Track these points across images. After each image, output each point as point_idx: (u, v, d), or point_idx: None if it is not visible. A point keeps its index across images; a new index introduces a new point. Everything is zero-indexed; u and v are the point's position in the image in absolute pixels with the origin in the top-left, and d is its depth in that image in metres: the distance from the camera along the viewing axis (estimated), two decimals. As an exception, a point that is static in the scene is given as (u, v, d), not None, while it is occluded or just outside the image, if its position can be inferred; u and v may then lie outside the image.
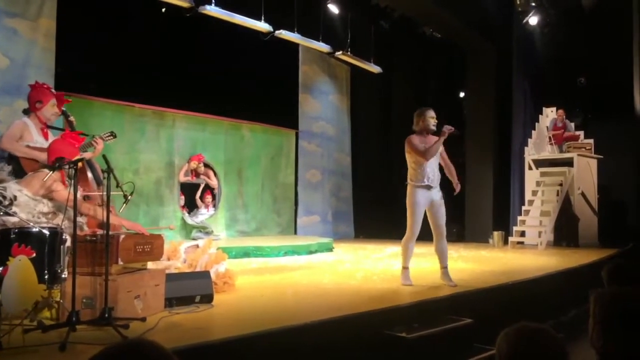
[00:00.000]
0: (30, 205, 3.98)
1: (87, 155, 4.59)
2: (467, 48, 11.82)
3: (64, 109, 4.93)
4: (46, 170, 3.90)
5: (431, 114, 5.46)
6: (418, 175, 5.34)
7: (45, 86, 4.81)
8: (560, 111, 11.26)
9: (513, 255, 8.70)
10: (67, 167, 3.83)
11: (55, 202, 4.08)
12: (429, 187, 5.33)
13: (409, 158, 5.43)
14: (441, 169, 5.58)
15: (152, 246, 3.94)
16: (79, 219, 3.81)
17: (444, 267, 5.49)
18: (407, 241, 5.45)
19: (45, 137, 4.64)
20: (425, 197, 5.32)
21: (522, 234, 10.56)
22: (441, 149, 5.45)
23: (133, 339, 1.25)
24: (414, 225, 5.37)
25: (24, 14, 7.30)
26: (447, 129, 5.33)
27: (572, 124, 11.37)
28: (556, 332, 1.63)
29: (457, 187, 5.58)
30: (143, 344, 1.22)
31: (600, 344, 1.91)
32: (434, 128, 5.44)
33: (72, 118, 4.97)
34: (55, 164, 3.89)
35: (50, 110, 4.64)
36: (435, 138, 5.42)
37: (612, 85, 10.73)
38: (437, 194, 5.41)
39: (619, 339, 1.88)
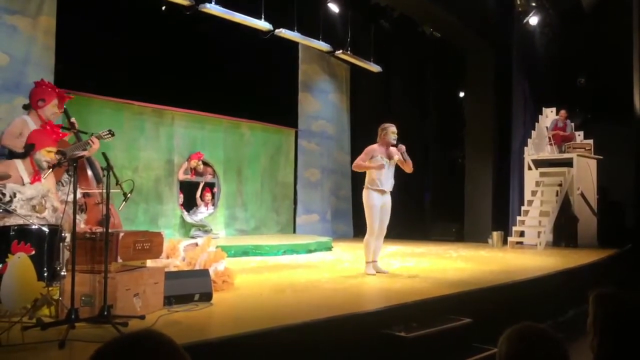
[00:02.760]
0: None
1: (80, 154, 4.59)
2: (467, 48, 11.82)
3: (65, 107, 4.94)
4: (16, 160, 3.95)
5: (393, 129, 6.12)
6: (373, 181, 5.99)
7: (49, 85, 4.82)
8: (563, 112, 11.24)
9: (512, 255, 8.70)
10: (65, 162, 3.83)
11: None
12: (382, 192, 6.00)
13: None
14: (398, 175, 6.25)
15: (151, 244, 3.93)
16: (77, 216, 3.82)
17: (375, 261, 6.11)
18: (369, 239, 6.04)
19: (45, 134, 4.64)
20: (379, 200, 5.98)
21: (522, 234, 10.55)
22: (397, 157, 6.08)
23: (141, 330, 1.23)
24: (374, 225, 6.01)
25: (24, 11, 7.29)
26: (396, 152, 6.08)
27: (573, 124, 11.37)
28: (556, 333, 1.63)
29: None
30: (151, 335, 1.20)
31: (599, 347, 1.91)
32: (394, 142, 6.10)
33: (73, 119, 4.97)
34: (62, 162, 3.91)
35: (51, 109, 4.66)
36: (395, 150, 6.11)
37: (612, 85, 10.73)
38: (388, 199, 6.07)
39: (617, 342, 1.88)
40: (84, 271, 3.52)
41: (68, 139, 4.95)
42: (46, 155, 4.13)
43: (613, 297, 1.96)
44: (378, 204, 5.98)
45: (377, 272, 6.04)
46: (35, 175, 4.10)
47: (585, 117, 11.81)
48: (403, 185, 6.20)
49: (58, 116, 4.84)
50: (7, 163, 4.23)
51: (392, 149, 6.11)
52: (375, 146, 6.12)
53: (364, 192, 6.07)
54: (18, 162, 4.15)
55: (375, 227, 6.00)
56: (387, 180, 6.04)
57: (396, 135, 6.11)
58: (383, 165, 5.95)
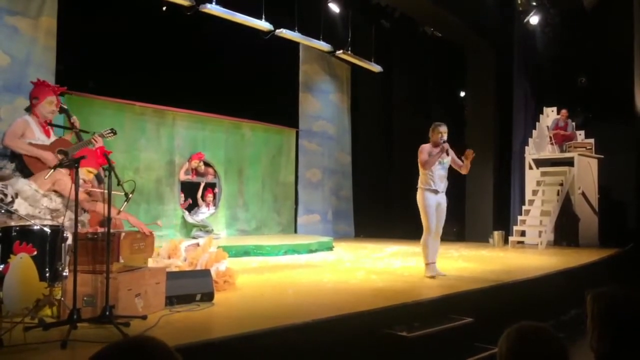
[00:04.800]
0: (37, 199, 3.99)
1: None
2: (467, 47, 11.82)
3: (65, 106, 4.91)
4: (60, 170, 3.92)
5: (440, 129, 5.94)
6: (427, 181, 5.91)
7: (45, 83, 4.80)
8: (564, 111, 11.24)
9: (513, 255, 8.70)
10: (68, 163, 3.83)
11: (63, 198, 4.10)
12: (435, 192, 5.91)
13: (419, 164, 5.98)
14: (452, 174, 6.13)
15: (145, 243, 4.00)
16: (81, 216, 3.82)
17: (434, 263, 5.97)
18: (426, 240, 5.91)
19: (47, 134, 4.64)
20: (434, 199, 5.90)
21: (523, 233, 10.55)
22: (452, 154, 5.97)
23: (136, 336, 1.25)
24: (430, 225, 5.88)
25: (25, 12, 7.31)
26: (442, 146, 5.90)
27: (574, 124, 11.37)
28: (556, 332, 1.63)
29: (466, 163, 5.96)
30: (146, 341, 1.22)
31: (599, 345, 1.92)
32: (441, 141, 5.91)
33: (74, 118, 4.96)
34: (64, 162, 3.91)
35: (47, 107, 4.62)
36: (449, 149, 5.94)
37: (613, 84, 10.72)
38: (443, 199, 5.99)
39: (617, 341, 1.89)
40: (86, 271, 3.53)
41: (70, 138, 4.95)
42: (86, 174, 4.17)
43: (609, 296, 1.98)
44: (433, 203, 5.87)
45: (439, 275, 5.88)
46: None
47: (586, 117, 11.79)
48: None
49: (55, 114, 4.79)
50: (57, 172, 4.18)
51: (442, 146, 5.93)
52: (427, 145, 5.98)
53: (418, 193, 5.96)
54: (60, 172, 4.16)
55: (432, 227, 5.86)
56: (441, 181, 5.93)
57: (442, 135, 5.91)
58: (444, 149, 5.83)
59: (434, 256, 5.96)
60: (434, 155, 5.86)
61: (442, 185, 5.95)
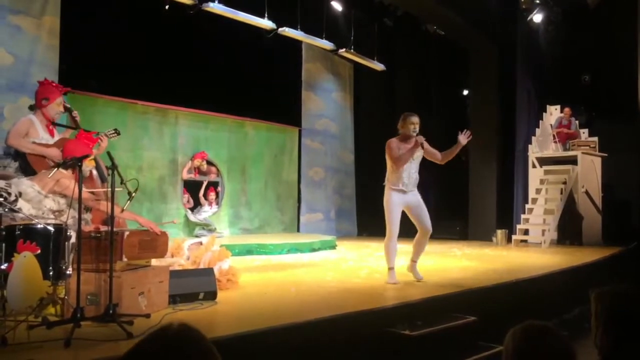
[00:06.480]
0: (40, 200, 3.99)
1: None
2: (470, 46, 11.80)
3: (67, 105, 4.92)
4: (61, 170, 3.91)
5: (412, 119, 5.39)
6: (394, 179, 5.40)
7: (53, 84, 4.81)
8: (567, 109, 11.22)
9: (516, 254, 8.69)
10: (71, 162, 3.83)
11: (67, 198, 4.10)
12: (403, 191, 5.40)
13: (388, 161, 5.46)
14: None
15: (156, 243, 3.94)
16: (84, 215, 3.83)
17: (414, 261, 5.61)
18: (387, 242, 5.47)
19: (51, 133, 4.64)
20: (400, 199, 5.40)
21: (526, 232, 10.54)
22: (426, 146, 5.44)
23: (182, 325, 1.22)
24: (391, 227, 5.41)
25: (28, 11, 7.32)
26: (416, 140, 5.33)
27: (577, 122, 11.35)
28: (560, 331, 1.63)
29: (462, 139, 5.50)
30: (193, 332, 1.20)
31: (603, 344, 1.92)
32: (413, 134, 5.36)
33: (75, 113, 4.96)
34: (67, 162, 3.89)
35: (55, 108, 4.65)
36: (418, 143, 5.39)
37: (617, 83, 10.69)
38: (412, 197, 5.45)
39: (621, 339, 1.88)
40: (90, 270, 3.54)
41: (69, 135, 4.95)
42: (88, 164, 4.16)
43: (613, 294, 1.98)
44: (397, 203, 5.37)
45: (416, 277, 5.53)
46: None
47: (590, 115, 11.77)
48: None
49: (60, 115, 4.82)
50: (58, 172, 4.17)
51: (416, 140, 5.32)
52: (394, 140, 5.43)
53: (385, 192, 5.45)
54: (62, 172, 4.16)
55: (394, 230, 5.39)
56: (409, 177, 5.37)
57: (415, 127, 5.36)
58: (418, 143, 5.29)
59: (416, 256, 5.62)
60: (406, 152, 5.30)
61: (411, 182, 5.41)
